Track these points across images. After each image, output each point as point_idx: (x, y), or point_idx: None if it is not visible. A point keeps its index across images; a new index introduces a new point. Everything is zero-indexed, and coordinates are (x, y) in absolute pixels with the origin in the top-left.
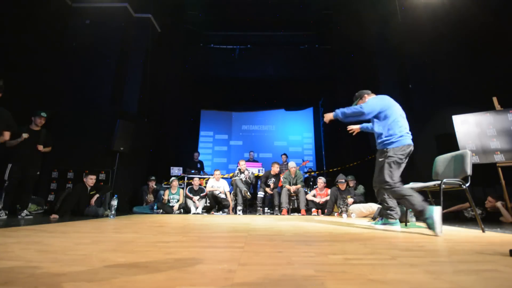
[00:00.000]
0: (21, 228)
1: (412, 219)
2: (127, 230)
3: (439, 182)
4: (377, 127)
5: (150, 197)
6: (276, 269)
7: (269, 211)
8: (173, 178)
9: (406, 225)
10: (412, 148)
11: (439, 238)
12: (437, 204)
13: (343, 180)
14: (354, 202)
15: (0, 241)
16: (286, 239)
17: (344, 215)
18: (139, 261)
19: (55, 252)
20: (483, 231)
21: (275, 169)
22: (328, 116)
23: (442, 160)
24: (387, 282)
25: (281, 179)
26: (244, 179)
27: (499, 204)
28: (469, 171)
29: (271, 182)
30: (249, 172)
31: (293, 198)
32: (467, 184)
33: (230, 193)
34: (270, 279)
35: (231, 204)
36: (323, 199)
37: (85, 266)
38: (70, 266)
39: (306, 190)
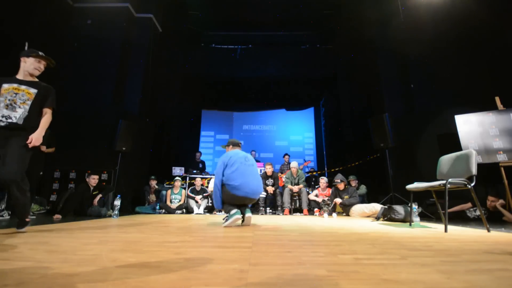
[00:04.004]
0: (25, 229)
1: (416, 219)
2: (132, 230)
3: (444, 181)
4: None
5: (152, 197)
6: (288, 269)
7: (271, 211)
8: (176, 178)
9: (410, 224)
10: None
11: (446, 238)
12: (442, 203)
13: (339, 180)
14: (342, 203)
15: (7, 241)
16: (292, 239)
17: (325, 214)
18: (149, 261)
19: (64, 252)
20: (488, 230)
21: (268, 169)
22: None
23: (446, 160)
24: (401, 281)
25: (283, 179)
26: None
27: (498, 205)
28: (474, 170)
29: (269, 183)
30: None
31: (295, 198)
32: (472, 184)
33: None
34: (284, 279)
35: None
36: (326, 199)
37: (96, 266)
38: (82, 266)
39: (308, 190)
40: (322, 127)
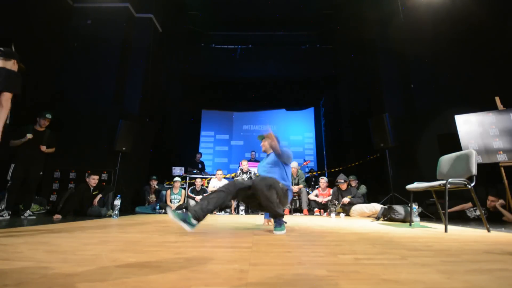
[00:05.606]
0: (25, 229)
1: (416, 219)
2: (132, 230)
3: (444, 181)
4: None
5: (152, 197)
6: (288, 269)
7: None
8: (176, 179)
9: (410, 224)
10: None
11: (446, 238)
12: (442, 203)
13: (342, 180)
14: (350, 202)
15: (7, 241)
16: (292, 239)
17: (332, 214)
18: (149, 260)
19: (64, 252)
20: (488, 230)
21: None
22: None
23: (446, 160)
24: (401, 282)
25: None
26: (246, 179)
27: (498, 205)
28: (474, 170)
29: None
30: (251, 172)
31: (295, 198)
32: (472, 184)
33: None
34: (283, 279)
35: (233, 204)
36: (326, 199)
37: (96, 266)
38: (82, 266)
39: (308, 190)
40: (322, 127)
